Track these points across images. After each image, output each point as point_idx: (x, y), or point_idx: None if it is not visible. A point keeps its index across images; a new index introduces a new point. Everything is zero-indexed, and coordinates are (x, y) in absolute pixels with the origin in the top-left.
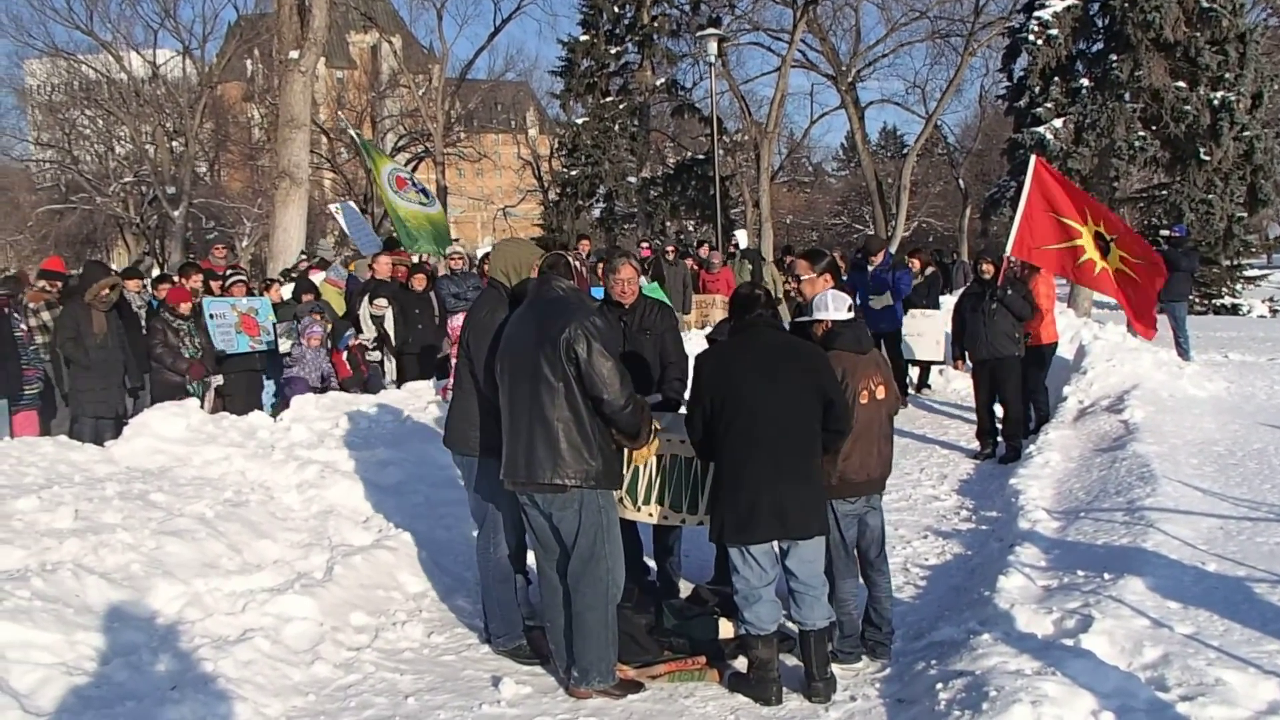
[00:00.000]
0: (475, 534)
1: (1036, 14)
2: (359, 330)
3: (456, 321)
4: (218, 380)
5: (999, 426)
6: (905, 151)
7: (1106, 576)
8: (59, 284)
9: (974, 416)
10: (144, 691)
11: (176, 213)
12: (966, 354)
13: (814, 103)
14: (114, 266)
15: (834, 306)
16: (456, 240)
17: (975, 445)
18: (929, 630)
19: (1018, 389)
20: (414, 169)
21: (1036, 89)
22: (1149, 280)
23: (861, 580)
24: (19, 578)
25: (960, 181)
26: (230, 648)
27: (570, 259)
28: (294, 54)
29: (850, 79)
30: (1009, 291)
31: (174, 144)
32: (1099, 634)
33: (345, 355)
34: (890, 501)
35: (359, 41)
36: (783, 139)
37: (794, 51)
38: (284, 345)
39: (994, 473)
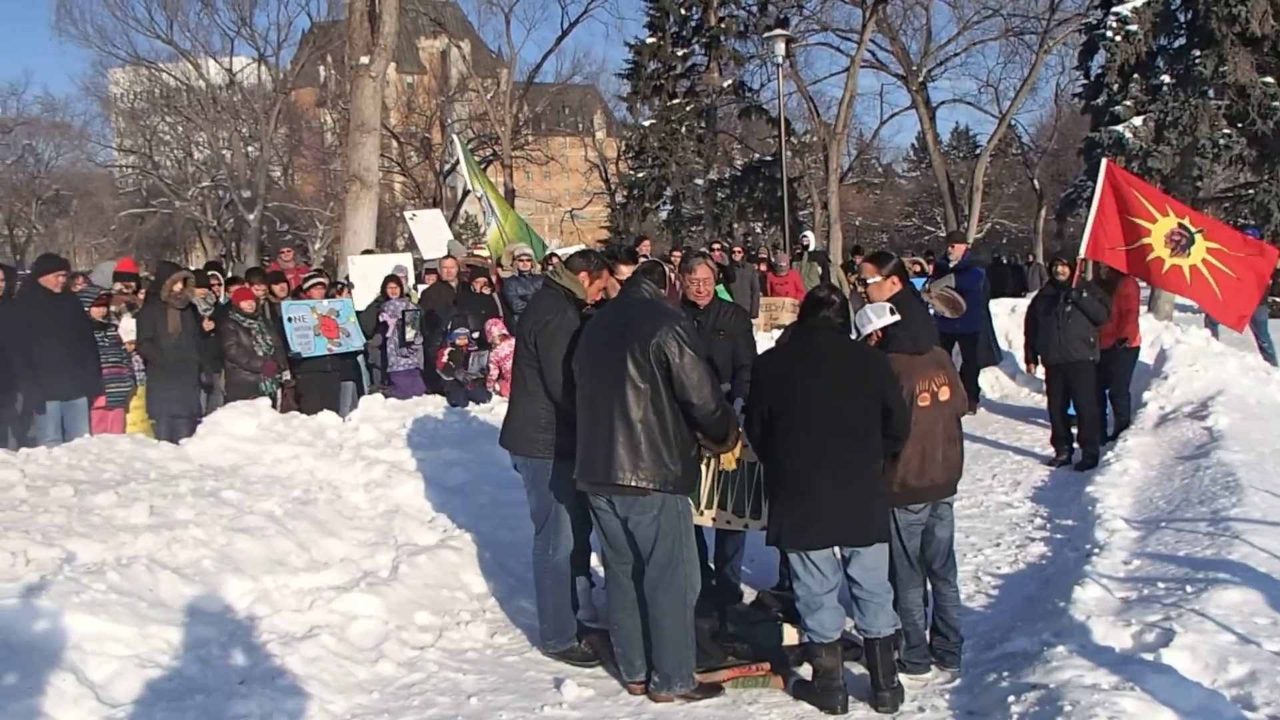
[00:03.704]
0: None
1: (1115, 9)
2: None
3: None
4: (285, 375)
5: (1074, 432)
6: (978, 152)
7: (1189, 589)
8: (133, 285)
9: (1048, 421)
10: (213, 685)
11: (251, 216)
12: (1039, 358)
13: (884, 103)
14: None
15: (875, 317)
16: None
17: (1050, 451)
18: (1001, 641)
19: (1093, 393)
20: (482, 173)
21: (1115, 86)
22: (1249, 270)
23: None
24: (96, 571)
25: (1035, 182)
26: (297, 644)
27: (667, 269)
28: (364, 59)
29: (921, 79)
30: (1084, 294)
31: (249, 149)
32: (1181, 649)
33: (449, 352)
34: (961, 508)
35: (428, 47)
36: (852, 140)
37: (863, 51)
38: (409, 334)
39: (1069, 480)
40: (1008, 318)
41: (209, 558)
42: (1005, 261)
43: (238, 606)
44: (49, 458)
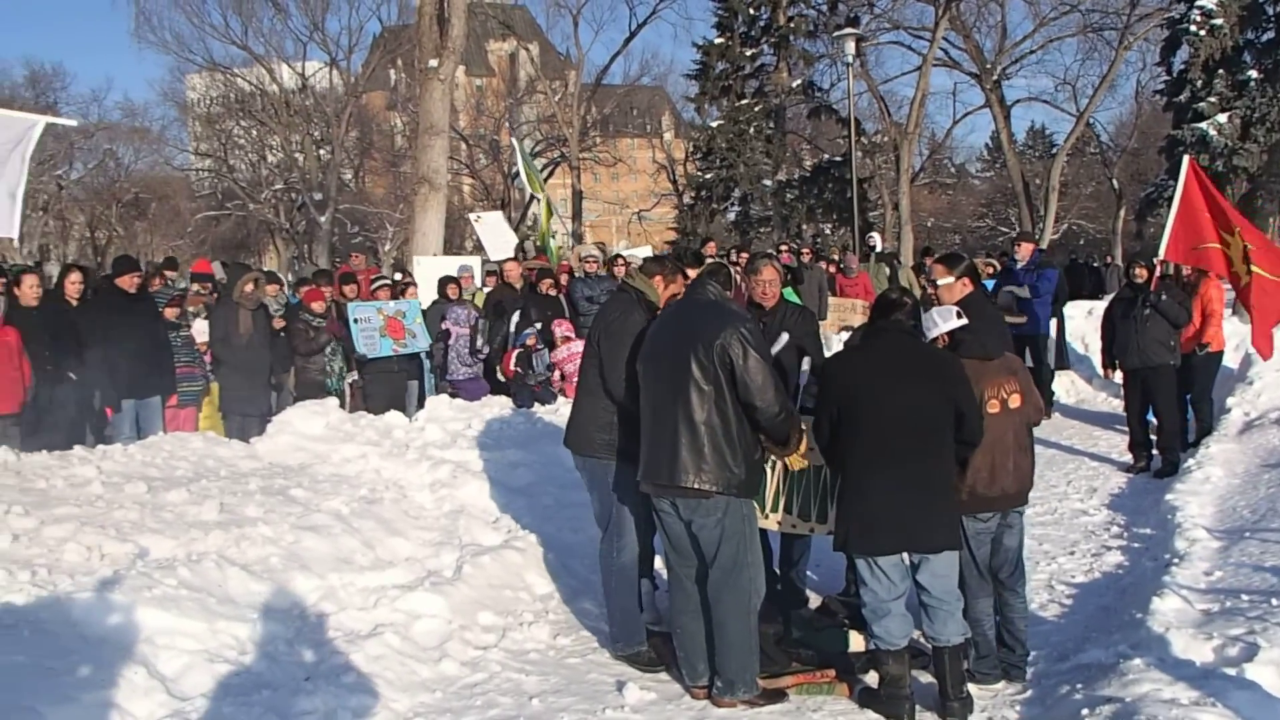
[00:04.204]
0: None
1: (1199, 3)
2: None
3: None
4: (353, 376)
5: (1153, 439)
6: (1054, 151)
7: (1274, 602)
8: (209, 285)
9: (1125, 427)
10: (280, 681)
11: (323, 218)
12: (1117, 362)
13: (957, 102)
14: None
15: (941, 320)
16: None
17: (1127, 458)
18: (1075, 652)
19: (1173, 399)
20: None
21: (1198, 83)
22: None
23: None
24: (167, 567)
25: (1114, 182)
26: (362, 642)
27: (732, 270)
28: (433, 63)
29: (995, 77)
30: (1163, 296)
31: (321, 152)
32: (1265, 664)
33: (517, 354)
34: (1034, 515)
35: (497, 49)
36: (924, 140)
37: (935, 50)
38: (479, 343)
39: (1148, 487)
40: (1084, 320)
41: (277, 555)
42: (1082, 263)
43: (304, 604)
44: (124, 455)
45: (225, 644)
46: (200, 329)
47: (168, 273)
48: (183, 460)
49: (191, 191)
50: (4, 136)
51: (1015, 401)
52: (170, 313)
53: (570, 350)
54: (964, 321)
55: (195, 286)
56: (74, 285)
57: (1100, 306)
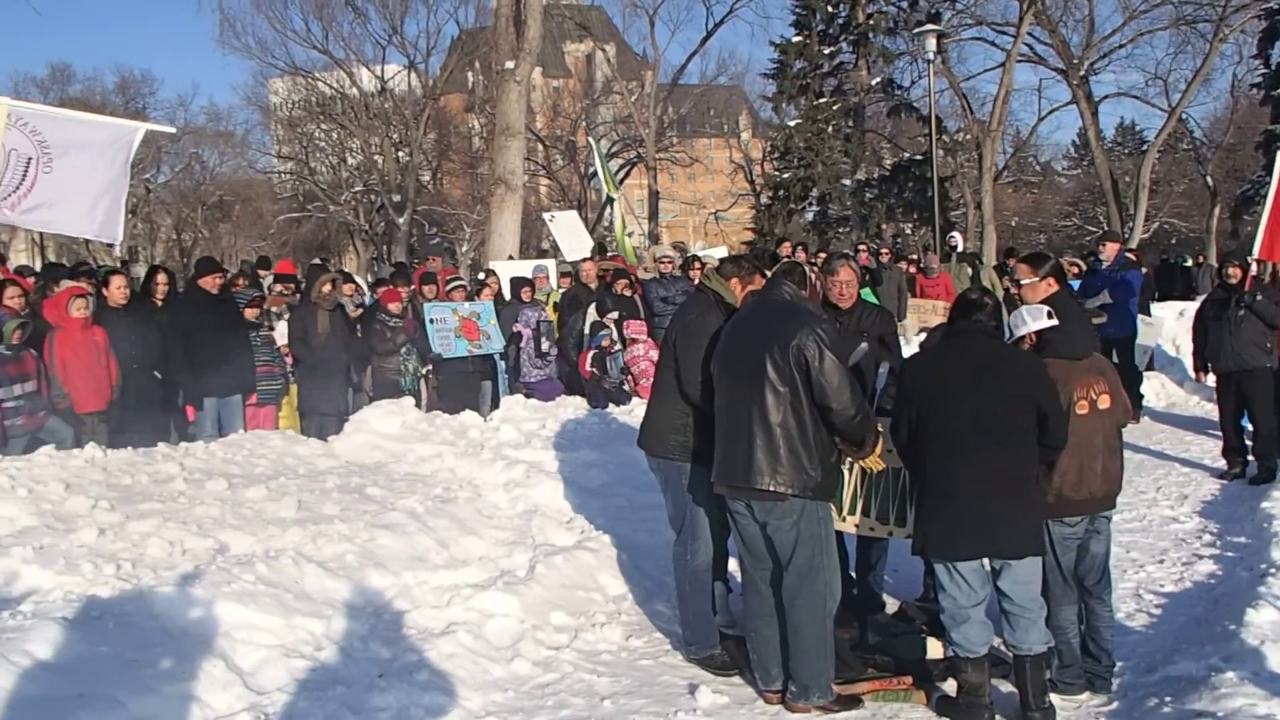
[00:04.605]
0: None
1: None
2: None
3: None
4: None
5: (1248, 444)
6: (1144, 148)
7: None
8: (292, 286)
9: (1218, 432)
10: (354, 678)
11: (401, 219)
12: (1209, 365)
13: (1042, 98)
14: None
15: (1031, 319)
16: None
17: (1221, 464)
18: (1164, 663)
19: (1269, 403)
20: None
21: None
22: None
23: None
24: (245, 562)
25: (1208, 179)
26: (435, 640)
27: (807, 269)
28: (509, 64)
29: (1083, 72)
30: (1258, 297)
31: (400, 154)
32: None
33: (592, 355)
34: (1122, 522)
35: (574, 51)
36: (1007, 137)
37: (1020, 45)
38: (544, 344)
39: (1242, 494)
40: (1175, 322)
41: (352, 552)
42: (1172, 262)
43: (379, 601)
44: (206, 452)
45: (301, 639)
46: (281, 330)
47: (261, 272)
48: (262, 458)
49: (274, 194)
50: (108, 142)
51: (1104, 402)
52: (250, 313)
53: (643, 349)
54: (1054, 322)
55: (278, 287)
56: (160, 286)
57: (1191, 308)
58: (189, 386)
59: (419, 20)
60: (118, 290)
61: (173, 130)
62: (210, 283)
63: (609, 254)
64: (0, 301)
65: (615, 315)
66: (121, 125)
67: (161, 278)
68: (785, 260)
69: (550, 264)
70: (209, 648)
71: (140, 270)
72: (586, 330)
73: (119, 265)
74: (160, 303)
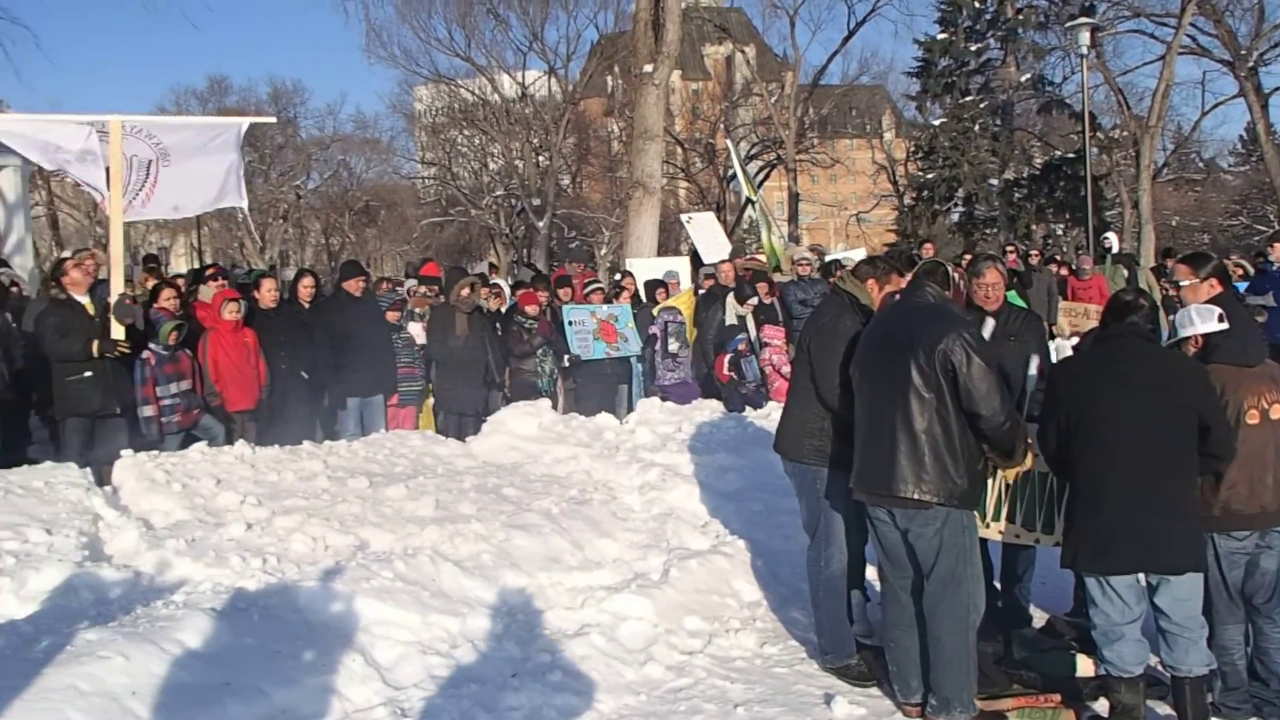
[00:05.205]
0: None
1: None
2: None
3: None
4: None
5: None
6: None
7: None
8: (436, 288)
9: None
10: (488, 676)
11: (541, 223)
12: None
13: (1206, 92)
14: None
15: (1200, 319)
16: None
17: None
18: None
19: None
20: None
21: None
22: None
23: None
24: (384, 560)
25: None
26: (568, 641)
27: (950, 269)
28: (648, 68)
29: (1251, 63)
30: None
31: (540, 158)
32: None
33: (728, 358)
34: None
35: (713, 53)
36: (1167, 133)
37: (1181, 37)
38: (673, 346)
39: None
40: None
41: (488, 552)
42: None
43: (513, 601)
44: (348, 451)
45: (437, 636)
46: (416, 330)
47: (424, 272)
48: (402, 457)
49: (418, 199)
50: (216, 136)
51: (1277, 412)
52: (392, 316)
53: (773, 351)
54: (1225, 325)
55: (421, 289)
56: (306, 289)
57: None
58: (334, 386)
59: (559, 26)
60: (268, 293)
61: (274, 120)
62: (354, 286)
63: (748, 255)
64: (157, 304)
65: (754, 302)
66: (227, 121)
67: (308, 281)
68: (927, 260)
69: (682, 266)
70: (348, 642)
71: (291, 274)
72: (726, 321)
73: (270, 269)
74: (307, 305)
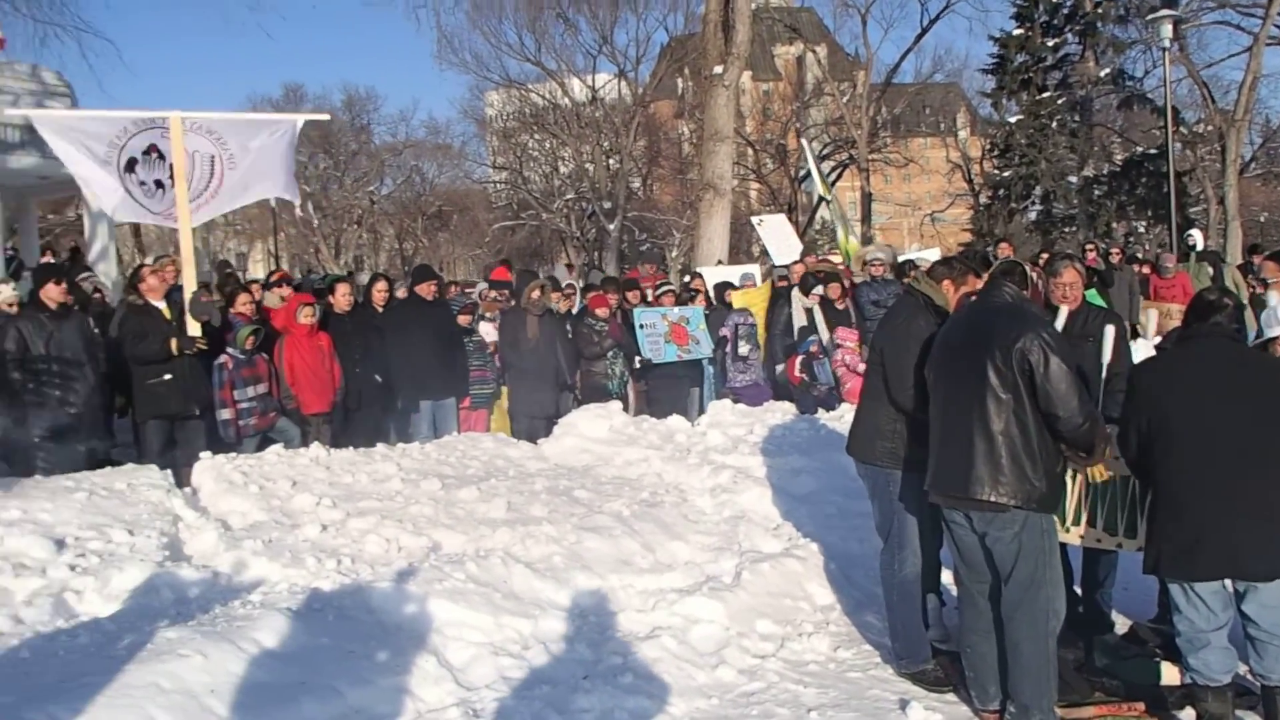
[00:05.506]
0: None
1: None
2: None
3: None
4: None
5: None
6: None
7: None
8: (507, 292)
9: None
10: (559, 678)
11: (612, 226)
12: None
13: None
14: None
15: None
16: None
17: None
18: None
19: None
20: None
21: None
22: None
23: None
24: (456, 561)
25: None
26: (639, 644)
27: (1028, 268)
28: (718, 69)
29: None
30: None
31: (610, 161)
32: None
33: (799, 361)
34: None
35: (784, 53)
36: (1255, 127)
37: (1269, 27)
38: (743, 348)
39: None
40: None
41: (559, 554)
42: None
43: (584, 603)
44: (421, 453)
45: (509, 638)
46: (486, 332)
47: (494, 276)
48: (474, 460)
49: (489, 203)
50: (273, 131)
51: None
52: (464, 319)
53: (844, 353)
54: None
55: (492, 293)
56: (380, 293)
57: None
58: (406, 389)
59: (628, 29)
60: (343, 298)
61: (326, 118)
62: (426, 290)
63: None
64: (233, 309)
65: (819, 292)
66: (282, 118)
67: (381, 285)
68: (1004, 260)
69: (756, 269)
70: (422, 643)
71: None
72: (793, 316)
73: (349, 274)
74: (381, 309)
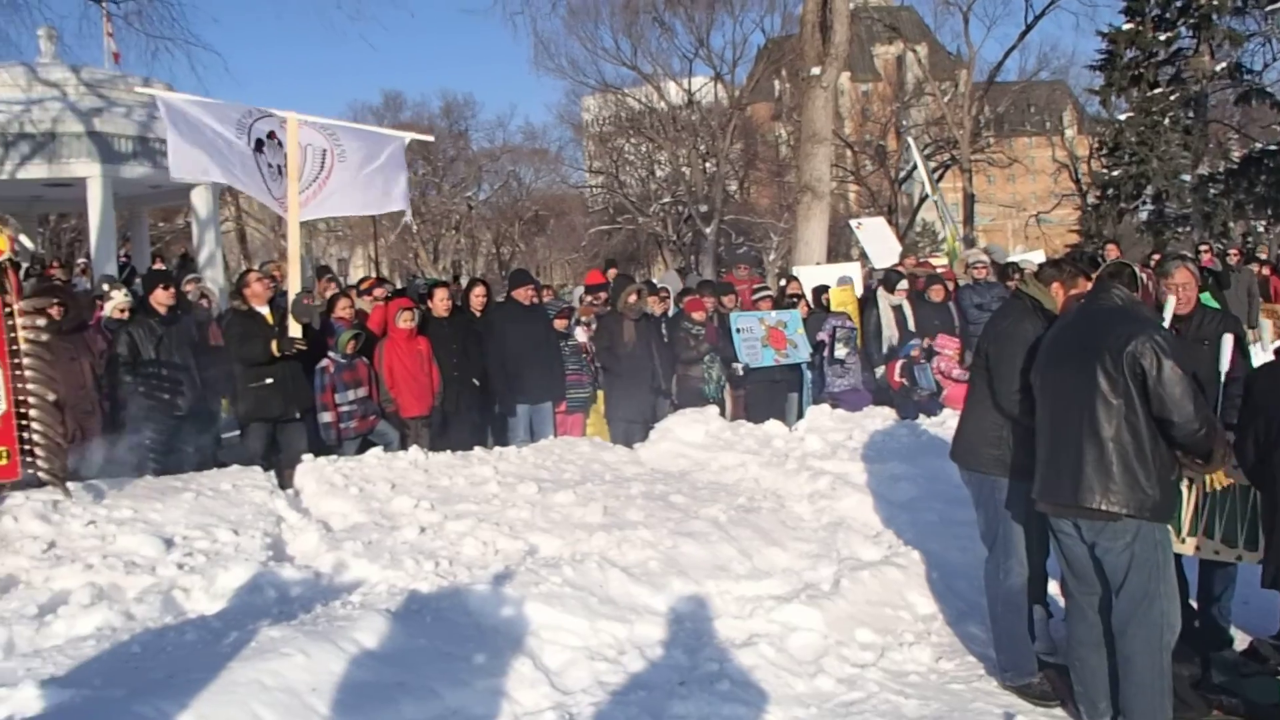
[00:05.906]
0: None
1: None
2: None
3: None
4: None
5: None
6: None
7: None
8: (603, 296)
9: None
10: (655, 683)
11: (709, 229)
12: None
13: None
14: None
15: None
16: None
17: None
18: None
19: None
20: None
21: None
22: None
23: None
24: (553, 565)
25: None
26: (736, 651)
27: (1138, 269)
28: (815, 70)
29: None
30: None
31: (706, 165)
32: None
33: (900, 365)
34: None
35: (883, 53)
36: None
37: None
38: (840, 352)
39: None
40: None
41: (655, 559)
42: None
43: (680, 609)
44: (518, 457)
45: (605, 642)
46: (583, 337)
47: (589, 280)
48: (571, 463)
49: (585, 207)
50: (380, 144)
51: None
52: (560, 323)
53: (943, 358)
54: None
55: (588, 297)
56: (478, 298)
57: None
58: (504, 393)
59: (725, 32)
60: (441, 302)
61: (430, 139)
62: (523, 294)
63: (919, 258)
64: (334, 313)
65: (904, 287)
66: (390, 134)
67: (479, 289)
68: (1113, 262)
69: (855, 271)
70: (518, 646)
71: (463, 283)
72: (882, 320)
73: (454, 278)
74: (479, 313)
